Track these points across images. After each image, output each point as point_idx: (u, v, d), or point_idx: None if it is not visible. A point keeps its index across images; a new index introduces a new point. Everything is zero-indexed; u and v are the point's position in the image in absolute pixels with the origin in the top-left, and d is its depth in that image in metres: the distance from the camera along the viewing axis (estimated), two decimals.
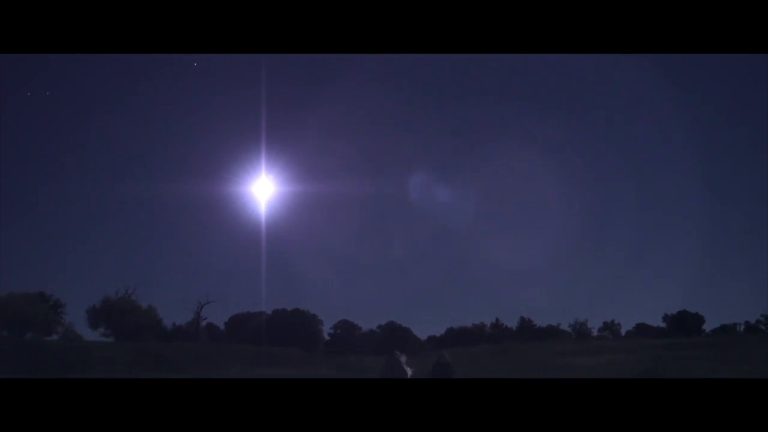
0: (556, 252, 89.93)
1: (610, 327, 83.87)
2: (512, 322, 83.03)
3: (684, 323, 77.16)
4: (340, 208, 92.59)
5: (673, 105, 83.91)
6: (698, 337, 71.55)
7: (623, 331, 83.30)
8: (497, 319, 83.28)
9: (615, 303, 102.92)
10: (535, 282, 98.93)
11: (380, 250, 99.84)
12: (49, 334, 61.66)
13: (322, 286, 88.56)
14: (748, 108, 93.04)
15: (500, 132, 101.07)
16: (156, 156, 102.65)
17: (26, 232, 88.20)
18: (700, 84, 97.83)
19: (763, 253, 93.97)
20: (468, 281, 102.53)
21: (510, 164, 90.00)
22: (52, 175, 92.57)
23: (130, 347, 54.19)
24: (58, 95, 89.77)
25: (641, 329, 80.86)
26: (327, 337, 78.84)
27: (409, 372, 21.67)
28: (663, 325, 79.87)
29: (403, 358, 21.34)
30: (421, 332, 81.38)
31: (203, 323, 73.31)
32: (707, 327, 79.18)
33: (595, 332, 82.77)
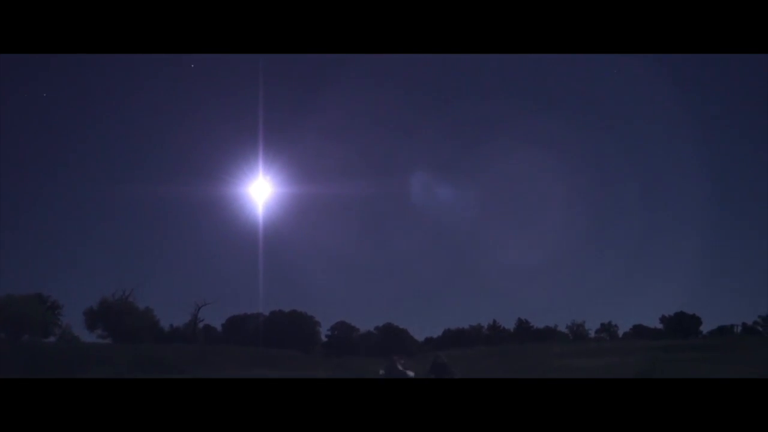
0: (553, 253, 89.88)
1: (607, 328, 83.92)
2: (509, 324, 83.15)
3: (681, 325, 77.22)
4: (338, 209, 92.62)
5: (673, 106, 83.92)
6: (695, 338, 71.64)
7: (620, 333, 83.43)
8: (494, 321, 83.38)
9: (612, 304, 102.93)
10: (533, 283, 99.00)
11: (378, 251, 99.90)
12: (47, 336, 61.60)
13: (319, 287, 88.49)
14: (749, 109, 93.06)
15: (499, 132, 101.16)
16: (153, 157, 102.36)
17: (23, 233, 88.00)
18: (701, 84, 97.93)
19: (760, 255, 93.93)
20: (465, 282, 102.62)
21: (507, 165, 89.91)
22: (49, 177, 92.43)
23: (128, 349, 54.11)
24: (54, 96, 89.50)
25: (638, 331, 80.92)
26: (324, 339, 78.79)
27: (410, 375, 21.69)
28: (660, 326, 79.97)
29: (401, 362, 21.35)
30: (419, 334, 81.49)
31: (200, 325, 73.34)
32: (704, 328, 79.35)
33: (592, 334, 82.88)
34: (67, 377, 33.19)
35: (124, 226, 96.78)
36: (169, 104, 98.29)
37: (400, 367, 21.08)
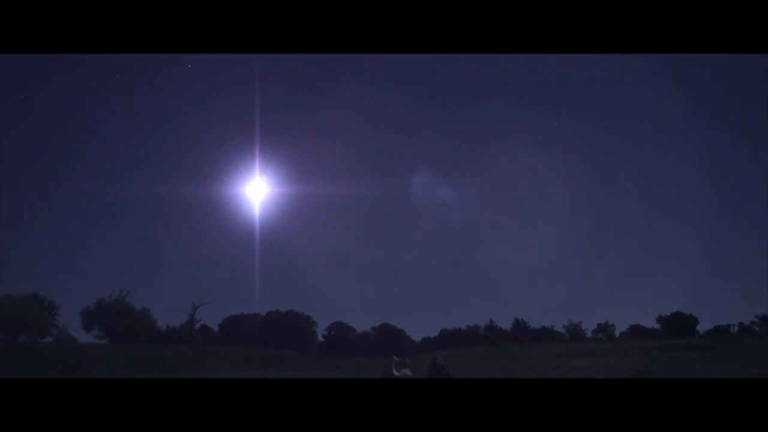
0: (550, 253, 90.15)
1: (604, 328, 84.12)
2: (506, 324, 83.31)
3: (678, 324, 77.35)
4: (335, 209, 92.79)
5: (671, 105, 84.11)
6: (692, 338, 71.77)
7: (617, 333, 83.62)
8: (491, 321, 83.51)
9: (609, 304, 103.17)
10: (530, 283, 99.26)
11: (375, 251, 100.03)
12: (43, 336, 61.48)
13: (316, 287, 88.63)
14: (748, 108, 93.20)
15: (497, 131, 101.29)
16: (149, 157, 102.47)
17: (20, 233, 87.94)
18: (700, 85, 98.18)
19: (757, 255, 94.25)
20: (462, 283, 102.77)
21: (505, 165, 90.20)
22: (45, 177, 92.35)
23: (125, 349, 54.03)
24: (49, 96, 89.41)
25: (635, 331, 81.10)
26: (321, 339, 78.81)
27: (408, 375, 21.68)
28: (657, 326, 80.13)
29: (399, 363, 21.30)
30: (416, 334, 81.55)
31: (197, 325, 73.27)
32: (701, 328, 79.55)
33: (589, 334, 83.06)
34: (64, 377, 33.15)
35: (121, 226, 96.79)
36: (165, 104, 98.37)
37: (397, 369, 21.02)
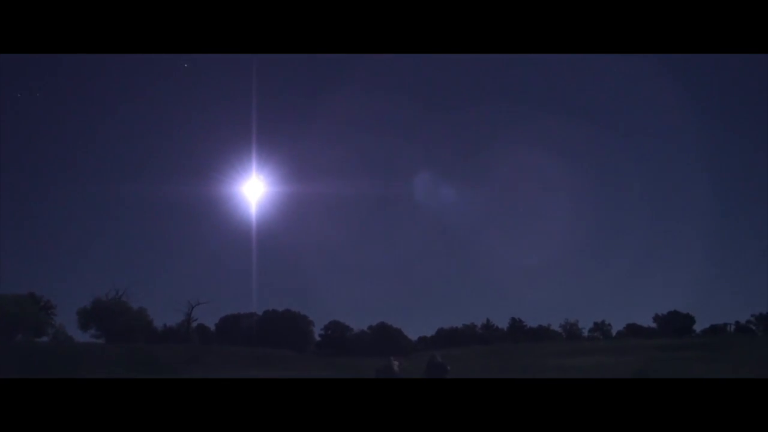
0: (547, 253, 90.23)
1: (600, 327, 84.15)
2: (503, 323, 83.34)
3: (675, 324, 77.44)
4: (331, 208, 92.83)
5: (672, 105, 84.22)
6: (689, 337, 71.82)
7: (614, 332, 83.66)
8: (488, 320, 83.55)
9: (606, 303, 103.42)
10: (526, 282, 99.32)
11: (372, 250, 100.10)
12: (40, 336, 61.50)
13: (313, 286, 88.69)
14: (749, 108, 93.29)
15: (496, 131, 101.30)
16: (146, 157, 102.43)
17: (16, 233, 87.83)
18: (703, 85, 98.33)
19: (755, 254, 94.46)
20: (459, 282, 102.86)
21: (504, 164, 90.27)
22: (42, 177, 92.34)
23: (121, 349, 54.02)
24: (46, 95, 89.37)
25: (632, 329, 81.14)
26: (318, 338, 78.80)
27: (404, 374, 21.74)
28: (654, 325, 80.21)
29: (397, 363, 21.33)
30: (412, 333, 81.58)
31: (194, 324, 73.24)
32: (698, 327, 79.64)
33: (585, 333, 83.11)
34: (60, 377, 33.10)
35: (117, 226, 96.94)
36: (163, 104, 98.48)
37: (396, 368, 21.04)
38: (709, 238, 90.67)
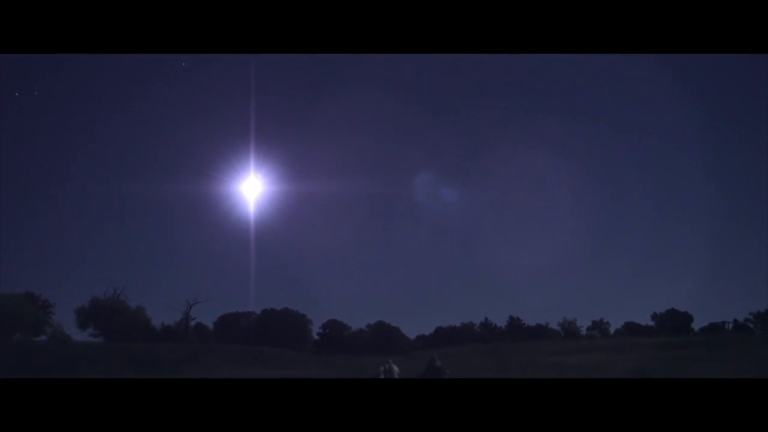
0: (546, 251, 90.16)
1: (599, 326, 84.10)
2: (501, 321, 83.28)
3: (673, 322, 77.49)
4: (330, 207, 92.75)
5: (673, 107, 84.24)
6: (687, 335, 71.87)
7: (612, 330, 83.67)
8: (486, 318, 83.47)
9: (604, 302, 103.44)
10: (525, 281, 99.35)
11: (370, 249, 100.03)
12: (38, 335, 61.39)
13: (311, 285, 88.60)
14: (751, 109, 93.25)
15: (495, 131, 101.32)
16: (144, 155, 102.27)
17: (14, 232, 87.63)
18: (703, 85, 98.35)
19: (754, 252, 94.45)
20: (457, 280, 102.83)
21: (503, 164, 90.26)
22: (40, 176, 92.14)
23: (119, 348, 53.98)
24: (43, 95, 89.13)
25: (630, 328, 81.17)
26: (316, 337, 78.68)
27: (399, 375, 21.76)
28: (652, 323, 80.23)
29: (396, 371, 21.34)
30: (411, 331, 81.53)
31: (192, 323, 73.17)
32: (696, 325, 79.66)
33: (584, 331, 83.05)
34: (58, 377, 33.09)
35: (115, 224, 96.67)
36: (161, 103, 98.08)
37: (396, 375, 21.07)
38: (708, 237, 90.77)
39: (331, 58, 78.32)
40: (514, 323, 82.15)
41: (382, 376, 21.21)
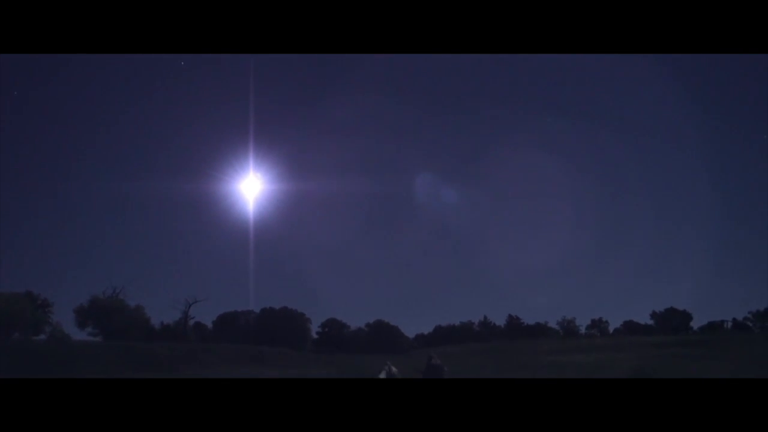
0: (544, 250, 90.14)
1: (598, 325, 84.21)
2: (500, 320, 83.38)
3: (672, 321, 77.58)
4: (329, 206, 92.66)
5: (672, 107, 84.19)
6: (686, 334, 71.90)
7: (611, 329, 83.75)
8: (485, 317, 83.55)
9: (603, 301, 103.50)
10: (524, 280, 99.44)
11: (369, 248, 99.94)
12: (37, 334, 61.35)
13: (310, 284, 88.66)
14: (751, 109, 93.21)
15: (493, 131, 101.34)
16: (143, 154, 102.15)
17: (13, 231, 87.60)
18: (703, 85, 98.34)
19: (753, 251, 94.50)
20: (456, 279, 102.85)
21: (503, 165, 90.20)
22: (39, 175, 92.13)
23: (118, 347, 53.96)
24: (42, 95, 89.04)
25: (629, 327, 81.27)
26: (315, 336, 78.73)
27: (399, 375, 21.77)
28: (651, 322, 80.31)
29: (396, 372, 21.35)
30: (410, 330, 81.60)
31: (191, 322, 73.21)
32: (695, 324, 79.75)
33: (583, 330, 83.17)
34: (57, 376, 33.09)
35: (114, 223, 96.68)
36: (160, 102, 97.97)
37: (394, 371, 21.07)
38: (707, 236, 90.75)
39: (331, 58, 78.29)
40: (513, 322, 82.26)
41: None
